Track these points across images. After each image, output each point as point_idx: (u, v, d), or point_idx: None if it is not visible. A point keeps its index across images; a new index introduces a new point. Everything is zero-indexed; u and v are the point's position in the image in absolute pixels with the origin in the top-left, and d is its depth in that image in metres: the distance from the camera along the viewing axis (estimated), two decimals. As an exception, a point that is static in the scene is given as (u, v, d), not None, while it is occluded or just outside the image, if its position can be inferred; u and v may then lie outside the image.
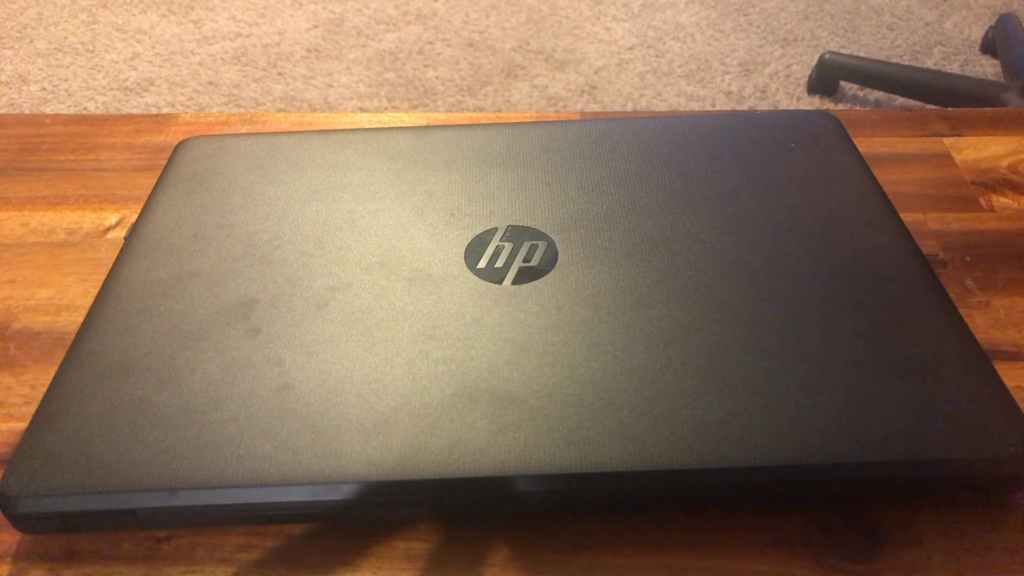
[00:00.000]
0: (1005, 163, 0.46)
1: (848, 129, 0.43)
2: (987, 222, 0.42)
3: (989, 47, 1.62)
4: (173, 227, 0.38)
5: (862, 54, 1.61)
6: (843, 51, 1.60)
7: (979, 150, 0.47)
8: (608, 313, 0.32)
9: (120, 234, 0.43)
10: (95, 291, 0.35)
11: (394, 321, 0.32)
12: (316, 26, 1.77)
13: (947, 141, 0.48)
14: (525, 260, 0.35)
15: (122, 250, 0.37)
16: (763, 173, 0.39)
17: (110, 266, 0.36)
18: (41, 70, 1.64)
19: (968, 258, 0.40)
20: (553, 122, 0.44)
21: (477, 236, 0.36)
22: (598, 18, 1.78)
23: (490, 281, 0.34)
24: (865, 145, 0.46)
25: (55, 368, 0.32)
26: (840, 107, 1.52)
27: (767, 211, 0.37)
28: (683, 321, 0.32)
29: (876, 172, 0.40)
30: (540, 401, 0.29)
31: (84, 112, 1.49)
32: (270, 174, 0.41)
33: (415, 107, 1.52)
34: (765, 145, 0.41)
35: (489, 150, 0.42)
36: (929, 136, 0.48)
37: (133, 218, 0.43)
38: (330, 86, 1.58)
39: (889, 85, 1.51)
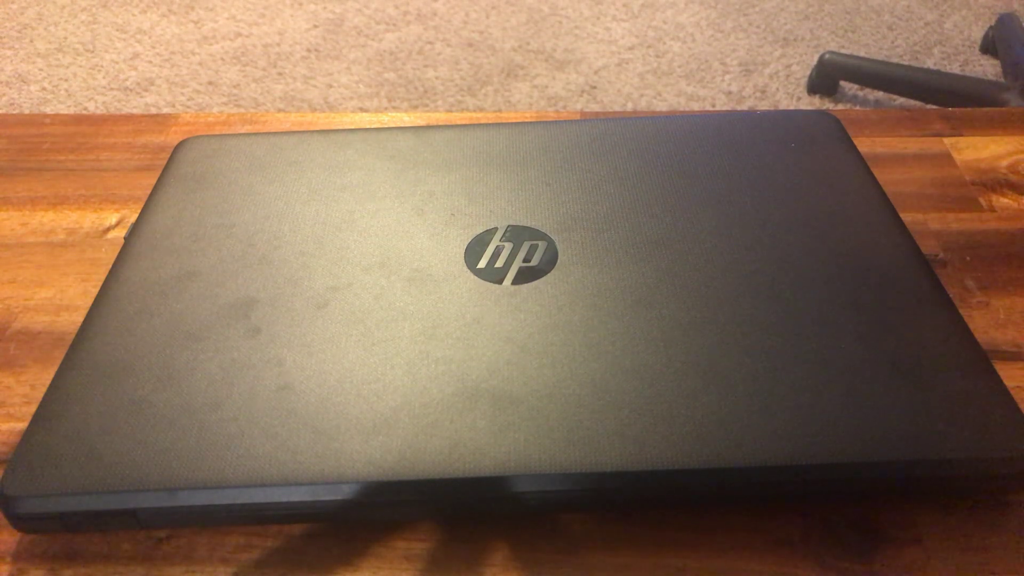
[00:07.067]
0: (1005, 163, 0.46)
1: (848, 129, 0.43)
2: (987, 222, 0.42)
3: (989, 47, 1.62)
4: (173, 227, 0.38)
5: (862, 54, 1.61)
6: (843, 51, 1.60)
7: (979, 150, 0.47)
8: (608, 313, 0.32)
9: (120, 234, 0.43)
10: (95, 291, 0.35)
11: (394, 321, 0.32)
12: (316, 26, 1.77)
13: (947, 141, 0.48)
14: (525, 260, 0.35)
15: (122, 250, 0.37)
16: (763, 173, 0.39)
17: (110, 266, 0.36)
18: (41, 70, 1.64)
19: (968, 258, 0.40)
20: (553, 122, 0.44)
21: (477, 236, 0.36)
22: (598, 18, 1.78)
23: (490, 281, 0.34)
24: (865, 145, 0.46)
25: (55, 368, 0.32)
26: (840, 107, 1.52)
27: (767, 211, 0.37)
28: (683, 321, 0.32)
29: (876, 172, 0.40)
30: (540, 401, 0.29)
31: (84, 112, 1.49)
32: (270, 174, 0.41)
33: (415, 107, 1.52)
34: (765, 145, 0.41)
35: (489, 150, 0.42)
36: (929, 136, 0.48)
37: (133, 218, 0.43)
38: (330, 86, 1.58)
39: (889, 85, 1.51)
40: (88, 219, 0.44)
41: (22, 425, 0.33)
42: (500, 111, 1.49)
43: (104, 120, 0.52)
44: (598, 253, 0.35)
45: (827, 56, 1.52)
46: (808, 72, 1.57)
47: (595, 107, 1.51)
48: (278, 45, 1.71)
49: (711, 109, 1.49)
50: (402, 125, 0.50)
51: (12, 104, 1.54)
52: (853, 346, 0.31)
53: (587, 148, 0.41)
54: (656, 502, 0.29)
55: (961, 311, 0.33)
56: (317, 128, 0.51)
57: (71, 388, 0.30)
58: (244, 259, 0.36)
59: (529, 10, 1.81)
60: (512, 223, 0.37)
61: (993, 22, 1.64)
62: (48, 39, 1.73)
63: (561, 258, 0.35)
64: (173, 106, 1.53)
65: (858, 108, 1.53)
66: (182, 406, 0.30)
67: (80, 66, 1.65)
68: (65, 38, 1.74)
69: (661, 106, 1.51)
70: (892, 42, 1.67)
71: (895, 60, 1.61)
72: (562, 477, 0.27)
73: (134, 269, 0.35)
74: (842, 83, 1.55)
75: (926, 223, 0.42)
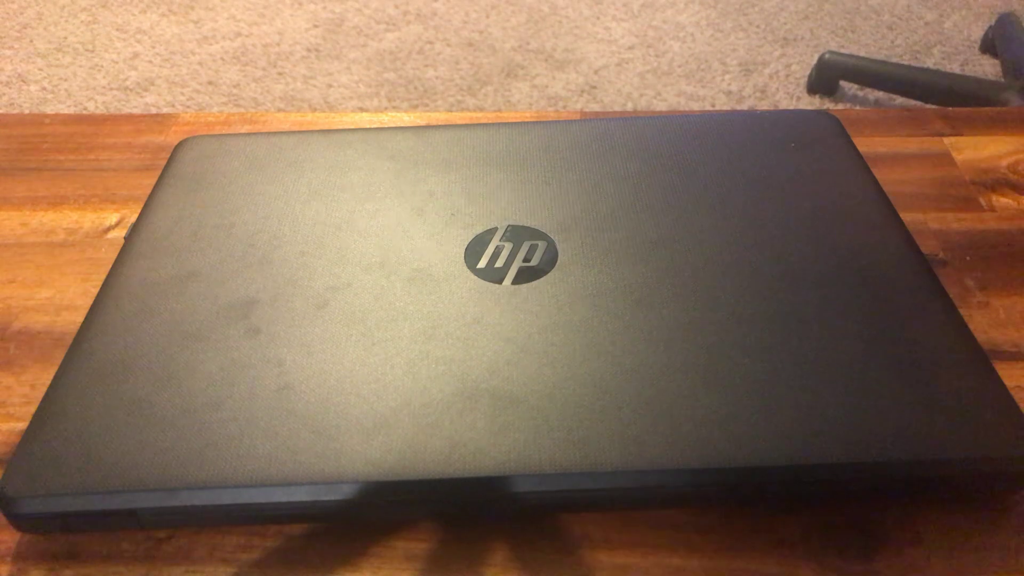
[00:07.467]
0: (1005, 163, 0.46)
1: (848, 129, 0.43)
2: (987, 222, 0.42)
3: (989, 47, 1.62)
4: (173, 227, 0.38)
5: (862, 54, 1.61)
6: (843, 51, 1.60)
7: (979, 150, 0.47)
8: (608, 313, 0.32)
9: (120, 234, 0.43)
10: (95, 291, 0.35)
11: (394, 321, 0.32)
12: (316, 26, 1.77)
13: (947, 141, 0.48)
14: (525, 260, 0.35)
15: (122, 250, 0.37)
16: (763, 173, 0.39)
17: (110, 266, 0.36)
18: (41, 70, 1.64)
19: (968, 258, 0.40)
20: (553, 122, 0.44)
21: (477, 236, 0.36)
22: (598, 18, 1.78)
23: (490, 281, 0.34)
24: (865, 145, 0.46)
25: (55, 368, 0.32)
26: (840, 107, 1.52)
27: (767, 211, 0.37)
28: (683, 321, 0.32)
29: (876, 172, 0.40)
30: (540, 401, 0.29)
31: (84, 112, 1.49)
32: (270, 174, 0.41)
33: (415, 107, 1.52)
34: (765, 145, 0.41)
35: (489, 150, 0.42)
36: (929, 136, 0.48)
37: (133, 218, 0.43)
38: (330, 86, 1.58)
39: (889, 85, 1.51)
40: (88, 219, 0.44)
41: (22, 425, 0.33)
42: (500, 111, 1.49)
43: (104, 120, 0.52)
44: (598, 253, 0.35)
45: (827, 56, 1.52)
46: (808, 72, 1.57)
47: (595, 107, 1.51)
48: (278, 45, 1.70)
49: (711, 109, 1.49)
50: (402, 125, 0.50)
51: (12, 104, 1.54)
52: (853, 346, 0.31)
53: (587, 148, 0.41)
54: (656, 502, 0.29)
55: (961, 311, 0.33)
56: (317, 128, 0.51)
57: (71, 388, 0.30)
58: (244, 259, 0.36)
59: (529, 10, 1.81)
60: (512, 223, 0.37)
61: (993, 22, 1.64)
62: (48, 39, 1.73)
63: (561, 258, 0.35)
64: (173, 106, 1.53)
65: (858, 108, 1.53)
66: (182, 406, 0.30)
67: (80, 66, 1.65)
68: (65, 38, 1.74)
69: (661, 106, 1.51)
70: (892, 42, 1.67)
71: (895, 60, 1.61)
72: (562, 477, 0.27)
73: (134, 269, 0.35)
74: (842, 83, 1.55)
75: (926, 223, 0.42)
